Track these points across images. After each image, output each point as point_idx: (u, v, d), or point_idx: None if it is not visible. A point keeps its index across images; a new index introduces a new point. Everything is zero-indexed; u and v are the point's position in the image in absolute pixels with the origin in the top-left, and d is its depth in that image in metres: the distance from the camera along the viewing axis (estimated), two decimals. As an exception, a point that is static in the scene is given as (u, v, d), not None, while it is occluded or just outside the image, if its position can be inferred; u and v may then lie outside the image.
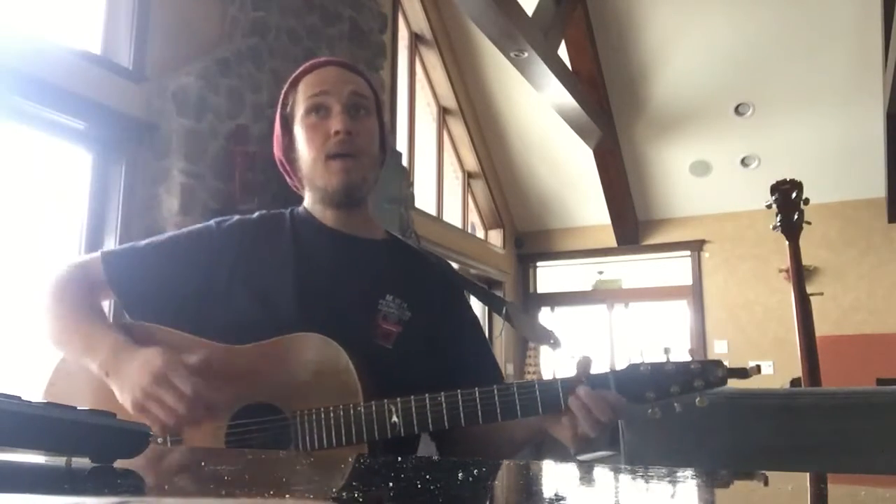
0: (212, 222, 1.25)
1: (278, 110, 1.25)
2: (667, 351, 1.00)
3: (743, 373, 0.97)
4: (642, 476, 0.58)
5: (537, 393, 1.00)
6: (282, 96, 1.25)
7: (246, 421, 1.05)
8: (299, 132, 1.20)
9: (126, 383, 1.01)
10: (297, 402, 1.04)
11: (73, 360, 1.11)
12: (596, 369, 1.02)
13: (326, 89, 1.18)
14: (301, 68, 1.26)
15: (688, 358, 1.00)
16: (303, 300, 1.14)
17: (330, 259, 1.20)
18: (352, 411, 1.01)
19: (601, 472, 0.63)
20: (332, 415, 1.01)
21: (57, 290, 1.16)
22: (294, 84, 1.24)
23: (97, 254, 1.21)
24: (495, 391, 1.00)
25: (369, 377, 1.06)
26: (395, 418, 1.00)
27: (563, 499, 0.52)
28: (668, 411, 0.98)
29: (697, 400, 0.97)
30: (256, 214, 1.27)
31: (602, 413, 0.98)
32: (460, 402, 0.99)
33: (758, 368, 0.98)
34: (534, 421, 1.05)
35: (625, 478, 0.60)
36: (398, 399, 1.00)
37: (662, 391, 0.97)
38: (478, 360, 1.26)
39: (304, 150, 1.19)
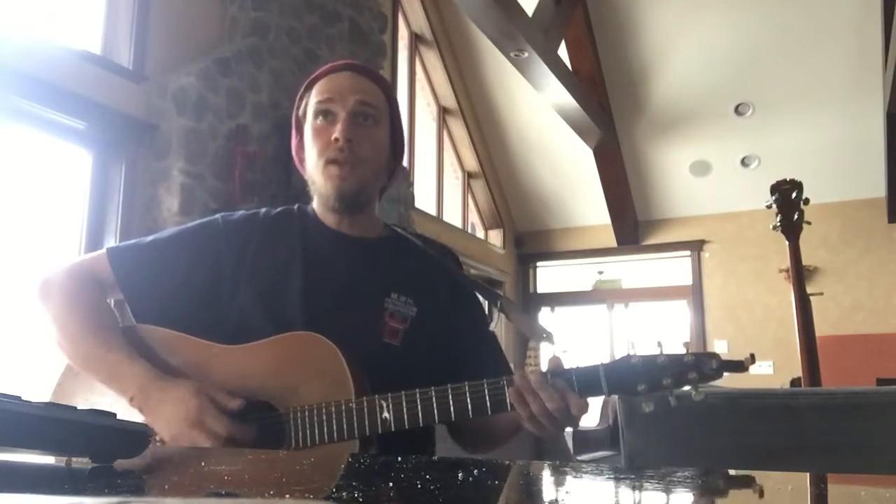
0: (217, 217, 1.25)
1: (294, 111, 1.27)
2: (659, 344, 1.00)
3: (738, 365, 0.94)
4: (642, 476, 0.58)
5: None
6: (298, 97, 1.27)
7: (243, 418, 1.05)
8: (307, 135, 1.22)
9: (159, 423, 1.03)
10: (292, 400, 1.05)
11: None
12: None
13: (334, 97, 1.20)
14: (318, 71, 1.27)
15: (682, 350, 1.00)
16: (307, 303, 1.15)
17: (334, 262, 1.21)
18: (343, 407, 1.02)
19: (601, 473, 0.63)
20: (324, 411, 1.02)
21: (66, 299, 1.14)
22: (309, 87, 1.25)
23: (102, 251, 1.21)
24: (485, 385, 1.00)
25: (378, 375, 1.06)
26: (385, 414, 1.00)
27: (562, 499, 0.52)
28: (666, 407, 0.97)
29: (693, 393, 0.96)
30: (273, 211, 1.27)
31: (549, 399, 0.96)
32: (450, 398, 0.99)
33: (752, 358, 0.96)
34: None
35: (624, 478, 0.60)
36: (389, 395, 1.01)
37: (655, 384, 0.96)
38: (482, 348, 1.26)
39: (310, 152, 1.21)
